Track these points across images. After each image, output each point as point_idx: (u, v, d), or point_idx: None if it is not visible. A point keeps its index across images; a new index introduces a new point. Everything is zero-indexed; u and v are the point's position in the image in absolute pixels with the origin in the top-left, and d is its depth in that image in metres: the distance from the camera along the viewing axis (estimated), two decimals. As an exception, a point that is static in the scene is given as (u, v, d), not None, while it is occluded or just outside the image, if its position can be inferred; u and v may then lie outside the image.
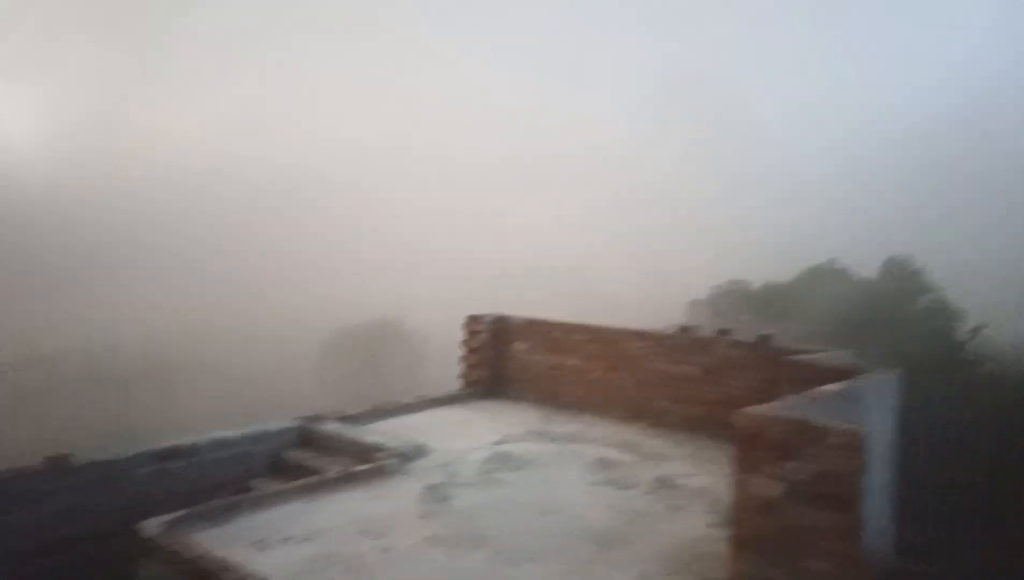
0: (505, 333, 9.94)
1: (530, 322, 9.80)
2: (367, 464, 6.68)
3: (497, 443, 7.68)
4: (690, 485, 6.58)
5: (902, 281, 22.35)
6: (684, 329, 8.56)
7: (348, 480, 6.36)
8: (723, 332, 8.31)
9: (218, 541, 5.12)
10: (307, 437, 7.86)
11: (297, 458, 7.55)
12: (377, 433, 7.72)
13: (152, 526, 5.28)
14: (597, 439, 7.97)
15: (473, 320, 9.89)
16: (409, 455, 7.00)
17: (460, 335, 10.19)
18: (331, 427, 7.89)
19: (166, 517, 5.36)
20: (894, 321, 16.54)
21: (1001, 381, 13.18)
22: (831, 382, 5.57)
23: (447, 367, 11.02)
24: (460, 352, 10.15)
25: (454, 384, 10.20)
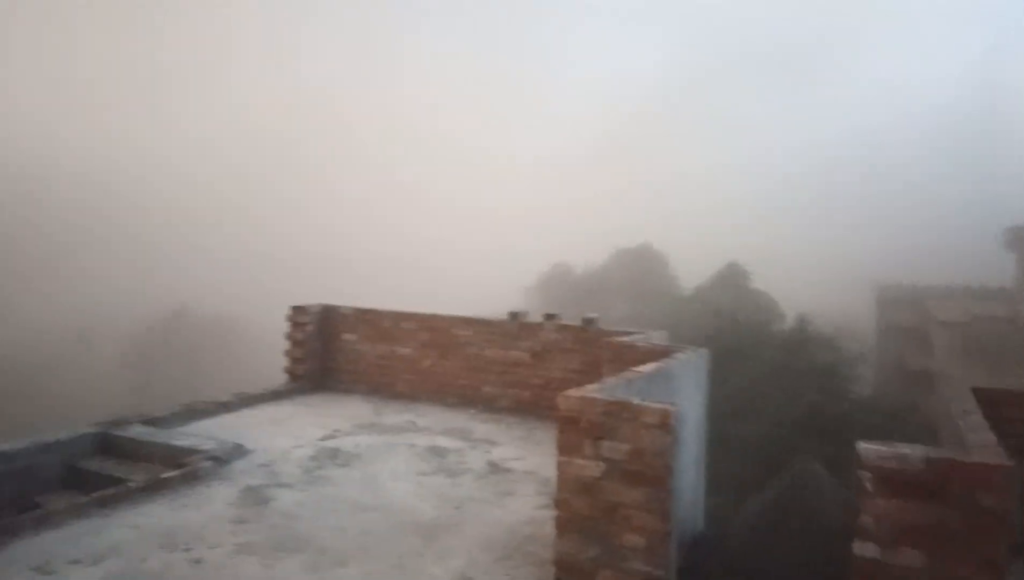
0: (332, 324, 9.55)
1: (358, 311, 9.49)
2: (176, 470, 6.12)
3: (323, 439, 7.36)
4: (520, 468, 6.65)
5: (733, 281, 24.46)
6: (513, 315, 8.64)
7: (153, 489, 5.79)
8: (549, 317, 8.49)
9: (-11, 571, 4.46)
10: (107, 444, 7.07)
11: (96, 468, 6.77)
12: (189, 435, 7.12)
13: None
14: (428, 428, 7.87)
15: (297, 311, 9.41)
16: (225, 457, 6.51)
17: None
18: (135, 431, 7.16)
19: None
20: (721, 314, 17.93)
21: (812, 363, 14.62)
22: (648, 362, 5.82)
23: (277, 362, 10.44)
24: (286, 345, 9.64)
25: (280, 379, 9.68)
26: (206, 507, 5.58)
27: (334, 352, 9.53)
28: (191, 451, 6.47)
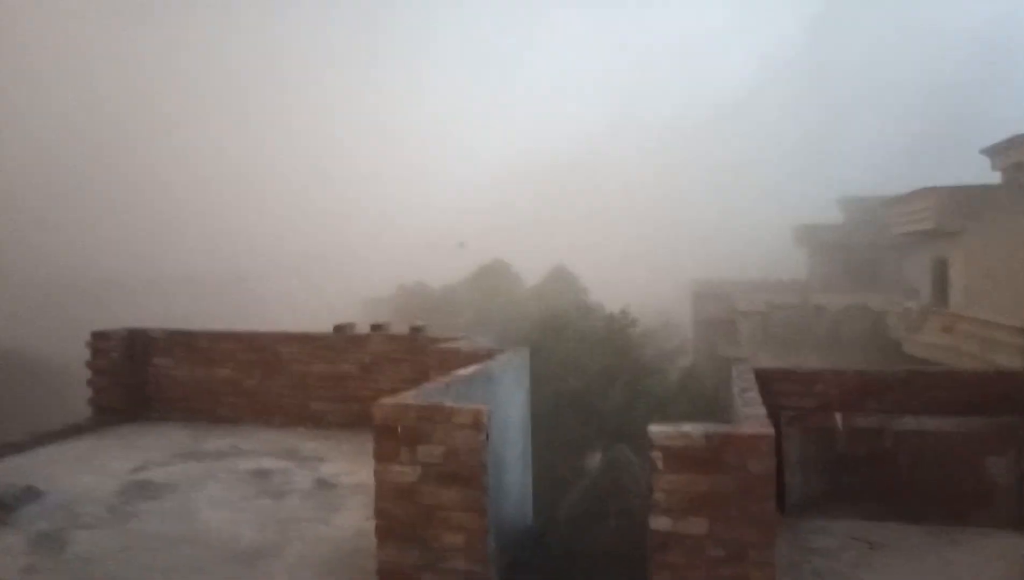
0: (142, 349, 8.89)
1: (172, 334, 8.91)
2: (-50, 523, 5.44)
3: (133, 472, 6.82)
4: (348, 483, 6.54)
5: (562, 283, 25.50)
6: (338, 328, 8.50)
7: (-81, 548, 5.10)
8: (376, 327, 8.43)
9: None
10: None
11: None
12: (-31, 483, 6.34)
13: None
14: (252, 451, 7.53)
15: (99, 337, 8.66)
16: (10, 503, 5.86)
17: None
18: (-101, 485, 6.26)
19: None
20: (558, 319, 18.63)
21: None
22: (472, 365, 5.96)
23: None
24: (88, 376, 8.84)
25: (86, 413, 8.86)
26: (-12, 560, 5.00)
27: (145, 379, 8.87)
28: (-31, 500, 5.77)
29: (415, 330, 8.27)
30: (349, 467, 6.96)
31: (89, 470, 6.90)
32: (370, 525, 5.35)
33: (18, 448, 7.45)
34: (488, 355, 6.61)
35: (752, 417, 4.14)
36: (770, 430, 3.83)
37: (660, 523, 3.86)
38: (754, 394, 4.81)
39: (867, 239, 27.67)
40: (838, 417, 5.71)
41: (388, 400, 4.43)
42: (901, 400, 5.73)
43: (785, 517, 5.43)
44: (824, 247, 29.88)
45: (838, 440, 5.63)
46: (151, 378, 8.88)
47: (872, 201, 27.05)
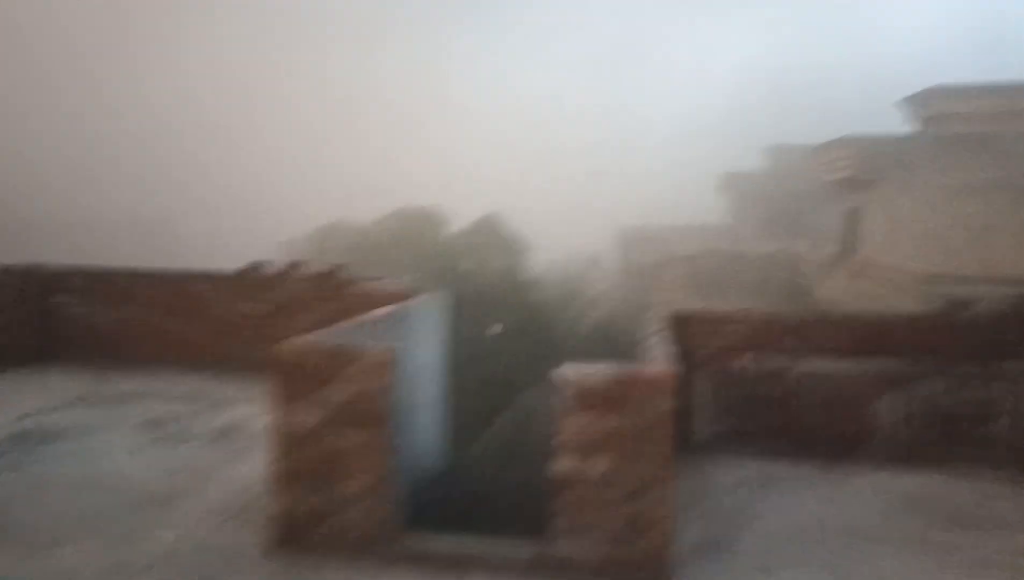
0: (43, 285, 8.37)
1: (77, 271, 8.41)
2: None
3: (22, 418, 6.46)
4: (256, 428, 6.36)
5: (490, 236, 25.32)
6: (254, 265, 8.18)
7: None
8: (294, 266, 8.16)
9: None
10: None
11: None
12: None
13: None
14: (158, 394, 7.25)
15: (-8, 273, 8.11)
16: None
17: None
18: None
19: None
20: (476, 267, 18.48)
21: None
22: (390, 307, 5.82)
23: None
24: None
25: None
26: None
27: (46, 317, 8.38)
28: None
29: (334, 269, 8.04)
30: (258, 410, 6.76)
31: (-22, 415, 6.51)
32: (271, 471, 5.25)
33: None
34: (407, 296, 6.49)
35: (658, 358, 4.17)
36: (673, 369, 3.86)
37: (563, 463, 3.88)
38: (664, 336, 4.86)
39: (791, 187, 28.39)
40: (749, 358, 5.85)
41: (293, 340, 4.28)
42: (805, 342, 5.91)
43: (691, 455, 5.58)
44: (747, 195, 30.55)
45: (744, 382, 5.79)
46: (53, 318, 8.39)
47: (797, 149, 27.64)
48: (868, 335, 5.88)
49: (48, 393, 7.19)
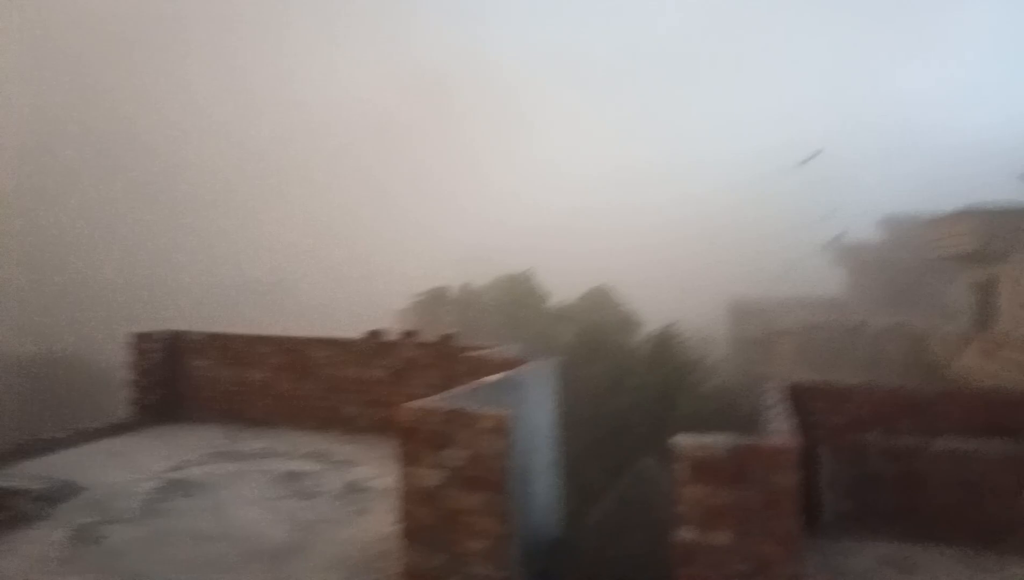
0: (181, 350, 9.12)
1: (209, 336, 9.12)
2: (-6, 513, 5.64)
3: (170, 471, 6.99)
4: (378, 487, 6.60)
5: (599, 299, 25.48)
6: (372, 334, 8.61)
7: (-35, 535, 5.30)
8: (409, 334, 8.52)
9: None
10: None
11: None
12: (13, 476, 6.56)
13: None
14: (285, 453, 7.66)
15: (142, 338, 8.91)
16: (53, 496, 6.06)
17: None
18: (-51, 476, 6.52)
19: None
20: (596, 333, 18.56)
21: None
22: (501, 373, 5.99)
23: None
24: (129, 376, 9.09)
25: (124, 412, 9.11)
26: (28, 551, 5.17)
27: (185, 380, 9.09)
28: (13, 492, 5.97)
29: (446, 337, 8.34)
30: (378, 471, 7.02)
31: (126, 467, 7.09)
32: (396, 529, 5.42)
33: (60, 445, 7.69)
34: (517, 363, 6.64)
35: (778, 430, 4.09)
36: (795, 442, 3.78)
37: (684, 534, 3.83)
38: (782, 408, 4.75)
39: (907, 259, 27.07)
40: (874, 434, 5.60)
41: (412, 403, 4.49)
42: (937, 420, 5.60)
43: (817, 538, 5.33)
44: (864, 266, 29.29)
45: (872, 459, 5.52)
46: (189, 379, 9.09)
47: (913, 221, 26.49)
48: (1004, 414, 5.51)
49: (187, 450, 7.73)
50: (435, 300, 26.99)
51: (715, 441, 3.87)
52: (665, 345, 17.02)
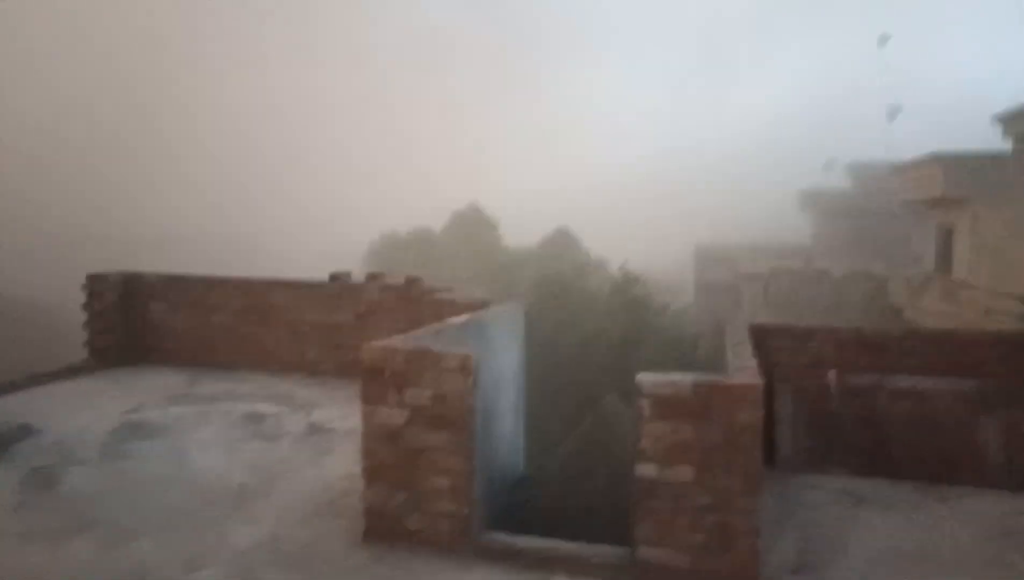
0: (138, 293, 8.86)
1: (168, 278, 8.87)
2: (-57, 457, 5.48)
3: (128, 413, 6.85)
4: (340, 428, 6.56)
5: (563, 244, 25.39)
6: (334, 277, 8.45)
7: (-89, 480, 5.14)
8: (373, 277, 8.38)
9: None
10: None
11: None
12: (-36, 419, 6.38)
13: None
14: (247, 395, 7.55)
15: (96, 280, 8.63)
16: (6, 438, 5.90)
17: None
18: None
19: None
20: (559, 277, 18.53)
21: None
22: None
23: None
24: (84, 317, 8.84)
25: (80, 356, 8.89)
26: (-20, 494, 5.04)
27: (141, 323, 8.86)
28: (-38, 435, 5.80)
29: (411, 280, 8.22)
30: (342, 413, 6.97)
31: (84, 410, 6.93)
32: (359, 469, 5.39)
33: (15, 387, 7.49)
34: (482, 306, 6.58)
35: (742, 368, 4.10)
36: (758, 380, 3.79)
37: (646, 470, 3.85)
38: (746, 347, 4.77)
39: (874, 206, 27.39)
40: (832, 374, 5.68)
41: (377, 343, 4.40)
42: (896, 360, 5.68)
43: (774, 471, 5.44)
44: (830, 213, 29.63)
45: (831, 397, 5.61)
46: (147, 322, 8.87)
47: (881, 167, 26.72)
48: (961, 354, 5.62)
49: (145, 393, 7.59)
50: (394, 243, 26.71)
51: (678, 378, 3.86)
52: (626, 288, 17.10)
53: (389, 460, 4.28)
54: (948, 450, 5.26)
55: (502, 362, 5.95)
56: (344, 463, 5.67)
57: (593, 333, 13.30)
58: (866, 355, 5.91)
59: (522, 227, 27.02)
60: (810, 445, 5.45)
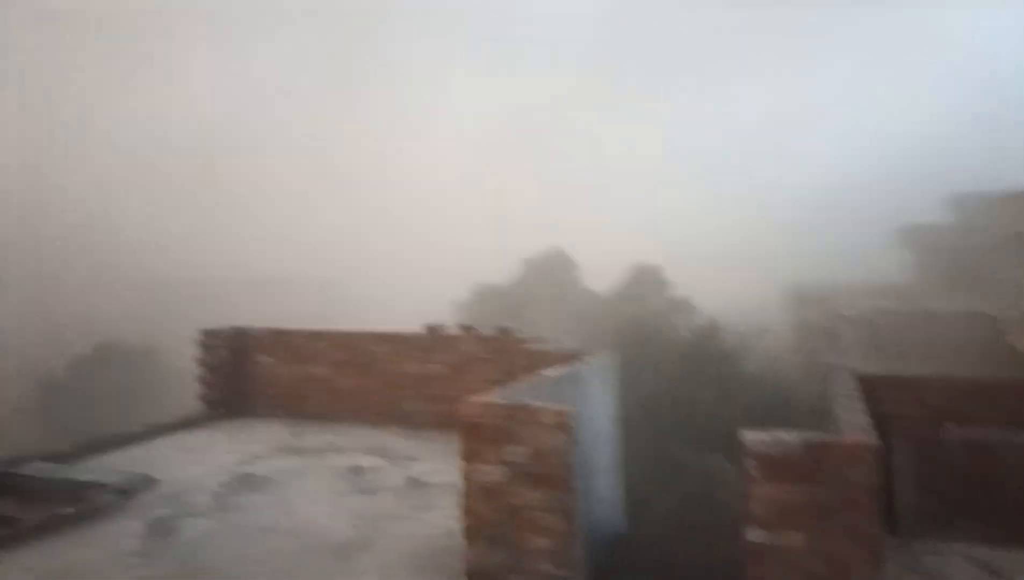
0: (246, 347, 9.34)
1: (272, 333, 9.31)
2: (75, 506, 5.87)
3: (239, 465, 7.18)
4: (439, 482, 6.63)
5: (647, 284, 25.14)
6: (429, 328, 8.65)
7: (48, 527, 5.53)
8: (466, 329, 8.53)
9: None
10: (2, 484, 6.71)
11: (-12, 511, 6.41)
12: (93, 469, 6.83)
13: None
14: (348, 448, 7.77)
15: (209, 335, 9.16)
16: (130, 489, 6.27)
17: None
18: (33, 468, 6.82)
19: None
20: (644, 323, 18.30)
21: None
22: (559, 367, 5.93)
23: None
24: (198, 371, 9.37)
25: (194, 407, 9.41)
26: (106, 543, 5.37)
27: (250, 376, 9.31)
28: (92, 485, 6.21)
29: (503, 331, 8.32)
30: (439, 466, 7.06)
31: (198, 461, 7.31)
32: (459, 525, 5.43)
33: (138, 439, 7.98)
34: (575, 357, 6.58)
35: (854, 425, 3.92)
36: (873, 438, 3.62)
37: (755, 534, 3.71)
38: (855, 401, 4.56)
39: (979, 239, 25.82)
40: (951, 428, 5.34)
41: (475, 398, 4.47)
42: (1019, 412, 5.30)
43: (896, 537, 5.12)
44: (933, 248, 28.09)
45: (953, 454, 5.27)
46: (254, 375, 9.31)
47: (985, 199, 25.24)
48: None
49: (254, 444, 7.93)
50: (487, 294, 27.06)
51: (787, 436, 3.73)
52: (717, 334, 16.65)
53: (489, 518, 4.30)
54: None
55: (598, 415, 5.92)
56: (444, 519, 5.72)
57: (685, 383, 12.99)
58: (986, 406, 5.54)
59: (603, 266, 26.90)
60: (934, 508, 5.11)
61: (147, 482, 6.51)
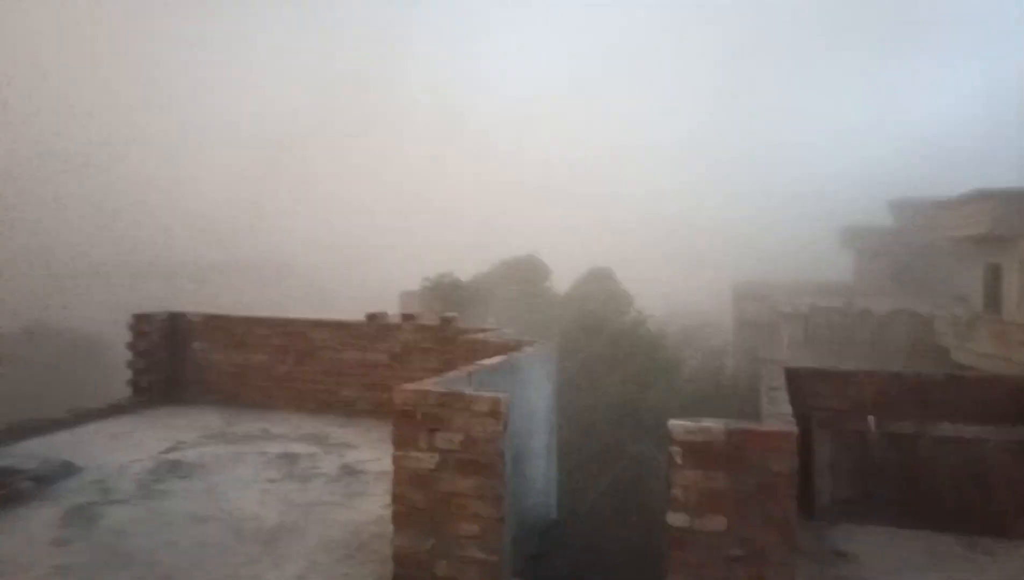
0: (180, 332, 9.09)
1: (208, 318, 9.09)
2: (-11, 493, 5.63)
3: (166, 452, 6.98)
4: (373, 470, 6.58)
5: (599, 283, 25.43)
6: (371, 317, 8.56)
7: (-41, 515, 5.29)
8: (408, 318, 8.47)
9: None
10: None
11: None
12: (10, 455, 6.56)
13: None
14: (282, 435, 7.64)
15: (140, 319, 8.88)
16: (50, 476, 6.05)
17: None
18: (-54, 456, 6.52)
19: None
20: (593, 318, 18.49)
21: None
22: (499, 356, 5.93)
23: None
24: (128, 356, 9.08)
25: (124, 394, 9.11)
26: (23, 531, 5.16)
27: (183, 362, 9.07)
28: (8, 471, 5.96)
29: (445, 321, 8.29)
30: (375, 454, 7.00)
31: (124, 448, 7.09)
32: (390, 512, 5.39)
33: (61, 425, 7.70)
34: (515, 347, 6.59)
35: (776, 415, 4.03)
36: (793, 428, 3.72)
37: (677, 519, 3.78)
38: (781, 393, 4.69)
39: (917, 243, 26.85)
40: (871, 420, 5.53)
41: (408, 386, 4.43)
42: (939, 406, 5.52)
43: (812, 521, 5.29)
44: (872, 250, 29.10)
45: (871, 444, 5.46)
46: (188, 361, 9.07)
47: (924, 204, 26.24)
48: (1009, 400, 5.44)
49: (183, 431, 7.72)
50: (439, 286, 26.96)
51: (711, 424, 3.80)
52: (660, 329, 16.96)
53: (419, 505, 4.27)
54: (996, 501, 5.06)
55: (534, 403, 5.94)
56: (375, 506, 5.69)
57: (627, 374, 13.19)
58: (909, 400, 5.76)
59: (564, 266, 27.12)
60: (849, 495, 5.29)
61: (67, 468, 6.29)
